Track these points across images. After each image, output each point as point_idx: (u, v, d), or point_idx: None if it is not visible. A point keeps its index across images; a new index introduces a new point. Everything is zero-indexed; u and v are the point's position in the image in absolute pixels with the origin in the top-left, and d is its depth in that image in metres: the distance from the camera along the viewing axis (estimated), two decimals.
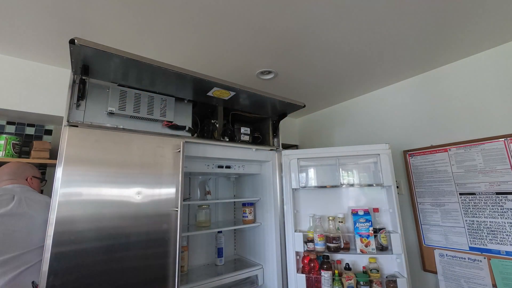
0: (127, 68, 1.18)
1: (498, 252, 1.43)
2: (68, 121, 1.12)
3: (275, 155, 1.80)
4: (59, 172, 1.03)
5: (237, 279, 1.61)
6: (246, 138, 1.73)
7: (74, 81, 1.20)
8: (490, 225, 1.47)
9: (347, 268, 1.52)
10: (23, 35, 1.37)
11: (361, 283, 1.45)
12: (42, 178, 1.42)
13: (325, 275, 1.47)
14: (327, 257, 1.52)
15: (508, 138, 1.46)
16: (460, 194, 1.60)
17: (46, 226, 0.98)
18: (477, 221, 1.53)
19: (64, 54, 1.54)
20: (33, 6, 1.15)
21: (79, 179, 1.07)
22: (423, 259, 1.74)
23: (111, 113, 1.27)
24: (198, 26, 1.32)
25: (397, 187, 1.89)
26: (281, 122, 1.91)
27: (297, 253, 1.58)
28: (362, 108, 2.34)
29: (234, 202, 2.11)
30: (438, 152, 1.73)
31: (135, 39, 1.43)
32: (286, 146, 2.92)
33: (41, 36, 1.38)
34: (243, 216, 1.84)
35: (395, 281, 1.40)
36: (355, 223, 1.52)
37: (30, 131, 1.80)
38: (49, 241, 0.97)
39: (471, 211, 1.55)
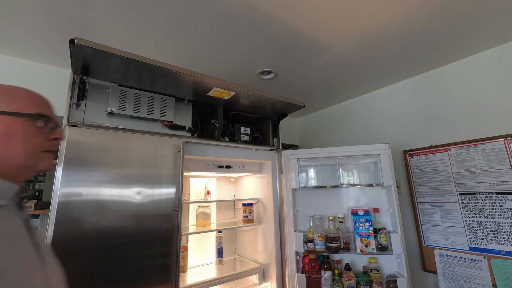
0: (127, 68, 1.18)
1: (498, 252, 1.43)
2: (68, 121, 1.12)
3: (275, 155, 1.80)
4: (59, 172, 1.03)
5: (237, 279, 1.61)
6: (246, 138, 1.73)
7: (74, 81, 1.20)
8: (490, 225, 1.47)
9: (347, 268, 1.52)
10: (23, 35, 1.37)
11: (361, 283, 1.45)
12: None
13: (325, 275, 1.47)
14: (327, 257, 1.52)
15: (508, 138, 1.46)
16: (460, 194, 1.60)
17: None
18: (477, 221, 1.53)
19: (64, 54, 1.54)
20: (33, 6, 1.15)
21: (79, 179, 1.07)
22: (423, 259, 1.74)
23: (111, 113, 1.27)
24: (198, 26, 1.32)
25: (397, 187, 1.89)
26: (281, 122, 1.91)
27: (297, 253, 1.58)
28: (362, 108, 2.34)
29: (234, 202, 2.11)
30: (438, 152, 1.73)
31: (135, 39, 1.43)
32: (286, 146, 2.92)
33: (41, 36, 1.38)
34: (243, 216, 1.84)
35: (395, 281, 1.40)
36: (355, 223, 1.52)
37: None
38: (49, 241, 0.97)
39: (471, 211, 1.55)
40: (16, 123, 0.54)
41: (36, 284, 0.49)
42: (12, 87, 0.59)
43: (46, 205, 1.56)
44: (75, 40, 0.97)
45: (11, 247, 0.48)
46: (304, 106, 1.75)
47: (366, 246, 1.47)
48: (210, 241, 1.91)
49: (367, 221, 1.50)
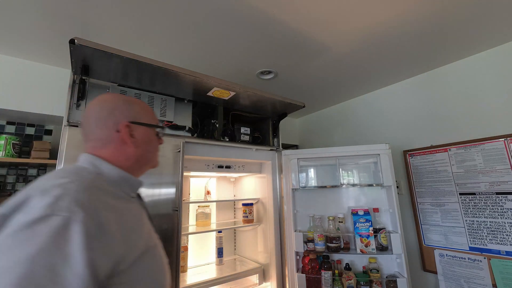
0: (127, 68, 1.18)
1: (498, 252, 1.43)
2: (68, 121, 1.12)
3: (275, 155, 1.80)
4: None
5: (237, 279, 1.61)
6: (246, 138, 1.73)
7: (74, 81, 1.20)
8: (490, 225, 1.47)
9: (347, 268, 1.52)
10: (23, 35, 1.37)
11: (361, 283, 1.45)
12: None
13: (325, 275, 1.47)
14: (327, 257, 1.52)
15: (508, 138, 1.46)
16: (460, 194, 1.60)
17: None
18: (477, 221, 1.52)
19: (64, 54, 1.54)
20: (33, 6, 1.15)
21: None
22: (423, 259, 1.74)
23: None
24: (198, 26, 1.32)
25: (397, 187, 1.89)
26: (281, 122, 1.91)
27: (297, 253, 1.58)
28: (362, 108, 2.34)
29: (234, 202, 2.12)
30: (438, 152, 1.73)
31: (135, 39, 1.43)
32: (286, 146, 2.92)
33: (41, 36, 1.38)
34: (243, 216, 1.84)
35: (395, 281, 1.40)
36: (355, 223, 1.52)
37: (30, 131, 1.80)
38: None
39: (471, 211, 1.55)
40: (151, 132, 0.68)
41: (163, 259, 0.63)
42: (139, 101, 0.71)
43: None
44: (75, 40, 0.97)
45: (150, 229, 0.61)
46: (304, 106, 1.75)
47: (366, 246, 1.47)
48: (210, 241, 1.91)
49: (367, 221, 1.50)
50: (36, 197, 0.43)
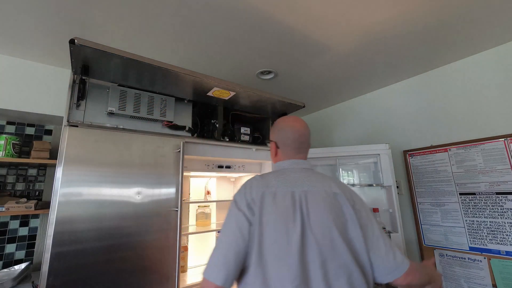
0: (127, 68, 1.18)
1: (498, 252, 1.43)
2: (68, 121, 1.12)
3: None
4: (59, 172, 1.04)
5: None
6: (246, 138, 1.73)
7: (74, 81, 1.20)
8: (490, 225, 1.47)
9: None
10: (23, 35, 1.37)
11: None
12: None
13: None
14: None
15: (508, 138, 1.46)
16: (460, 194, 1.60)
17: None
18: (477, 221, 1.53)
19: (64, 54, 1.54)
20: (33, 6, 1.15)
21: (79, 179, 1.07)
22: (423, 259, 1.74)
23: (111, 113, 1.27)
24: (198, 26, 1.32)
25: (397, 187, 1.89)
26: None
27: None
28: (362, 108, 2.34)
29: None
30: (438, 152, 1.73)
31: (135, 39, 1.43)
32: None
33: (41, 36, 1.38)
34: None
35: None
36: None
37: (30, 131, 1.80)
38: (49, 241, 0.97)
39: (471, 211, 1.55)
40: None
41: None
42: None
43: (46, 205, 1.56)
44: (75, 40, 0.97)
45: None
46: (304, 106, 1.75)
47: None
48: (210, 241, 1.91)
49: None
50: (347, 189, 0.81)
